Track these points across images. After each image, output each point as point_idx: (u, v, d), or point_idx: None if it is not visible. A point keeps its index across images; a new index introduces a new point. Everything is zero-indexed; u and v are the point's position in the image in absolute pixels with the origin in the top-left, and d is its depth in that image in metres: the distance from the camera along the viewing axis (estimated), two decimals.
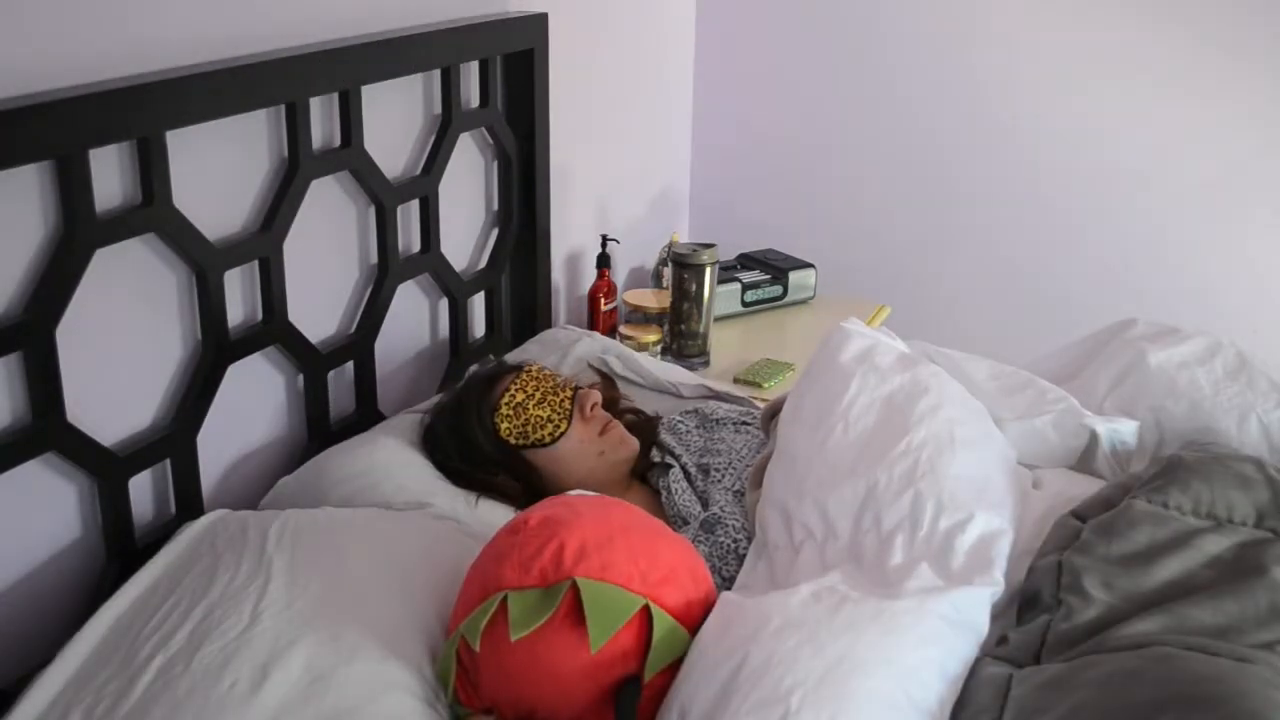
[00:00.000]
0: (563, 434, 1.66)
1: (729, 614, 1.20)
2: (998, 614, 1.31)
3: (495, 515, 1.58)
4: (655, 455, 1.76)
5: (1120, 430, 1.61)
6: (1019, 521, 1.38)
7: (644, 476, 1.76)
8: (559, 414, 1.67)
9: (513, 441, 1.66)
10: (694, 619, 1.21)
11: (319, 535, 1.38)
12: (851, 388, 1.49)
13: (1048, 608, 1.24)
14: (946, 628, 1.18)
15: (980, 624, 1.22)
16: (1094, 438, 1.60)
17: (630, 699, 1.16)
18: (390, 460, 1.66)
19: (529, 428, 1.66)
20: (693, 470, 1.69)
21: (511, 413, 1.66)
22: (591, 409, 1.69)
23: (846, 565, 1.32)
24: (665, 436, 1.76)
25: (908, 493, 1.35)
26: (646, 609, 1.17)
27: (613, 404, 1.81)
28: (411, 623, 1.28)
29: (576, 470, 1.66)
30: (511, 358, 2.03)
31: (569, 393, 1.70)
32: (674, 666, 1.18)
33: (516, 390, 1.67)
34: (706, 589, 1.26)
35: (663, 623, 1.18)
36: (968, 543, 1.29)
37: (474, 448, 1.66)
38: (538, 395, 1.67)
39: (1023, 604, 1.30)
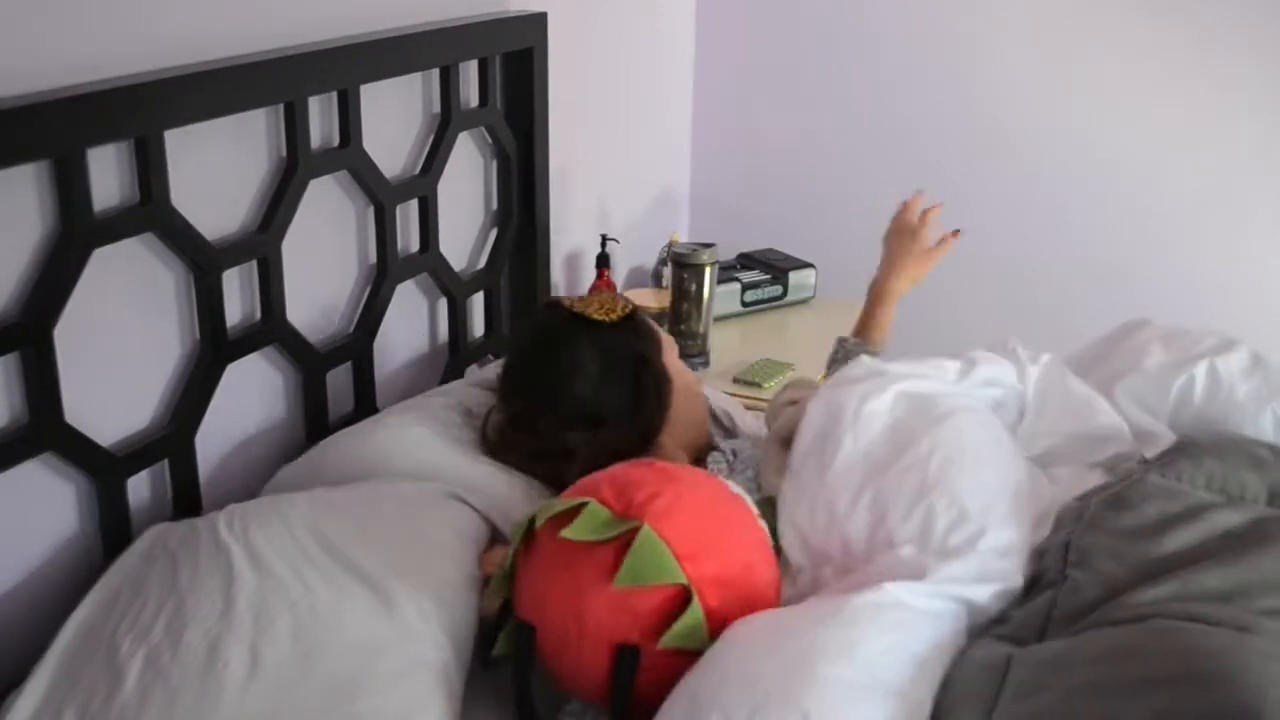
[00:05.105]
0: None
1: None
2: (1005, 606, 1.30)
3: (512, 493, 1.56)
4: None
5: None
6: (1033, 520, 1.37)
7: None
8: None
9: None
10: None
11: (267, 518, 1.39)
12: (848, 411, 1.44)
13: (1052, 584, 1.24)
14: (909, 615, 1.18)
15: (948, 610, 1.21)
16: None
17: (628, 665, 1.19)
18: (395, 439, 1.63)
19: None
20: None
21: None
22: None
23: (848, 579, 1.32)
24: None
25: (920, 506, 1.32)
26: (685, 590, 1.20)
27: None
28: (380, 582, 1.29)
29: (687, 430, 1.70)
30: None
31: None
32: (680, 655, 1.19)
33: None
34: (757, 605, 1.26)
35: (694, 615, 1.19)
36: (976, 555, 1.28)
37: (630, 368, 1.62)
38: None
39: (1028, 587, 1.29)
